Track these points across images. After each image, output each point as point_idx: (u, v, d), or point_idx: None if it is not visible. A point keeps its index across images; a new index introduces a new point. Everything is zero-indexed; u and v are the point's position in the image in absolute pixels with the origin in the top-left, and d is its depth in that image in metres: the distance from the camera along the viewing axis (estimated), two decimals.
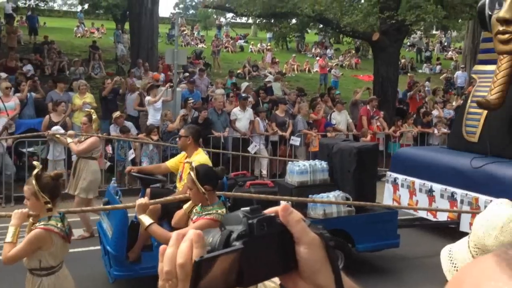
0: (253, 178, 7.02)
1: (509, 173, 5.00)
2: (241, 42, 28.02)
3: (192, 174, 3.46)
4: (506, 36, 5.13)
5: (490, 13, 5.38)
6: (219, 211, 3.49)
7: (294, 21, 15.61)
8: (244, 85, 13.12)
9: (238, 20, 23.09)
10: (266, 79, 15.20)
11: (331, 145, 6.02)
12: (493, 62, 5.76)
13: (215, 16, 31.95)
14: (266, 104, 12.36)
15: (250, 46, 26.55)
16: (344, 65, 24.66)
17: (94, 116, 7.02)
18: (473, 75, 6.38)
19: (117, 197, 5.14)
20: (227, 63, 21.58)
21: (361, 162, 5.54)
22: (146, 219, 3.45)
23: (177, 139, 5.76)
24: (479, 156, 5.45)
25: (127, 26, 19.94)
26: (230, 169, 9.54)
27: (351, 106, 13.03)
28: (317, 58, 23.52)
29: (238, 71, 19.05)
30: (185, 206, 3.81)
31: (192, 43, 25.95)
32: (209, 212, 3.48)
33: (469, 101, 6.34)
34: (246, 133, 10.37)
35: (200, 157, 4.88)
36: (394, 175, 6.70)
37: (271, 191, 5.66)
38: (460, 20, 16.83)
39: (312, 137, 10.76)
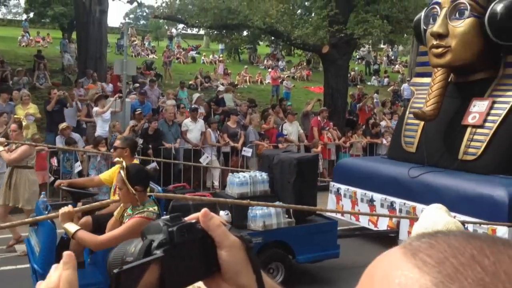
0: (192, 190, 6.91)
1: (443, 182, 5.11)
2: (193, 53, 27.88)
3: (122, 173, 3.31)
4: (440, 49, 5.33)
5: (425, 27, 5.59)
6: (151, 208, 3.36)
7: (245, 33, 15.73)
8: (195, 96, 13.04)
9: (190, 31, 23.06)
10: (218, 90, 15.17)
11: (271, 156, 6.03)
12: (429, 74, 5.96)
13: (166, 27, 31.66)
14: (217, 115, 12.31)
15: (202, 57, 26.47)
16: (295, 77, 25.00)
17: (24, 123, 6.73)
18: (411, 87, 6.58)
19: (46, 212, 4.86)
20: (178, 74, 21.40)
21: (301, 173, 5.56)
22: (71, 227, 3.24)
23: (112, 150, 5.48)
24: (416, 166, 5.57)
25: (74, 35, 19.40)
26: (182, 180, 9.40)
27: (303, 117, 13.19)
28: (269, 69, 23.74)
29: (190, 82, 18.92)
30: (116, 212, 3.66)
31: (143, 53, 25.59)
32: (141, 211, 3.34)
33: (407, 112, 6.52)
34: (197, 144, 10.27)
35: None
36: (337, 185, 6.74)
37: (209, 203, 5.53)
38: (405, 35, 17.47)
39: (263, 147, 10.78)
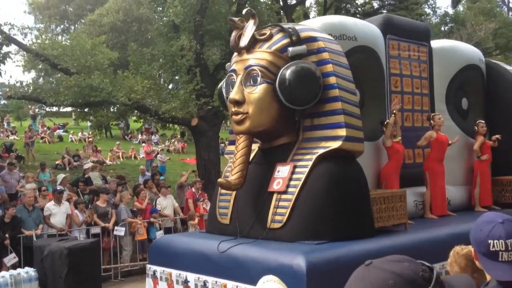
0: None
1: (250, 255, 4.80)
2: (60, 131, 26.61)
3: None
4: (239, 116, 5.32)
5: (226, 95, 5.63)
6: None
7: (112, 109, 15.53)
8: (60, 177, 12.31)
9: (57, 109, 22.11)
10: (84, 168, 14.51)
11: (43, 247, 5.30)
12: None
13: (29, 106, 30.01)
14: (86, 195, 11.69)
15: (70, 135, 25.35)
16: (170, 149, 24.97)
17: None
18: (226, 156, 6.32)
19: None
20: (43, 154, 20.14)
21: (74, 264, 4.93)
22: None
23: None
24: (227, 239, 5.21)
25: None
26: None
27: (178, 189, 13.09)
28: (143, 144, 23.44)
29: (57, 162, 17.87)
30: None
31: (2, 135, 23.77)
32: None
33: None
34: (63, 228, 9.56)
35: None
36: (154, 267, 5.94)
37: None
38: None
39: (137, 225, 10.40)
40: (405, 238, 5.49)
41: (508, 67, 8.37)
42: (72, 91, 12.92)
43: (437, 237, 5.59)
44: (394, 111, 6.42)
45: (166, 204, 11.53)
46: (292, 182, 5.15)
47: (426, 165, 6.91)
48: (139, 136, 26.92)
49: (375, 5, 23.56)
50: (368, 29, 6.53)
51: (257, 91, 5.23)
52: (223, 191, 5.65)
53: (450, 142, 7.11)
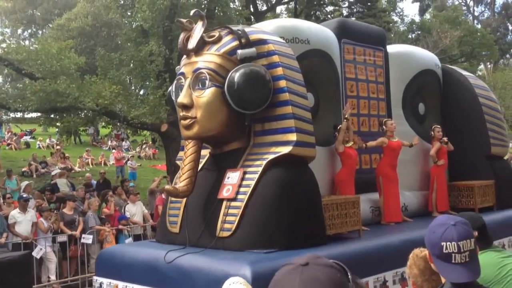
0: None
1: (196, 265, 4.58)
2: (27, 138, 26.03)
3: None
4: (187, 121, 5.11)
5: (175, 99, 5.39)
6: None
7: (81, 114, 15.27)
8: (23, 184, 12.05)
9: (24, 115, 21.63)
10: (52, 174, 14.24)
11: None
12: None
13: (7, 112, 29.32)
14: (53, 203, 11.45)
15: (38, 142, 24.83)
16: (141, 156, 24.71)
17: None
18: (177, 162, 5.99)
19: None
20: (10, 161, 19.66)
21: (5, 280, 4.59)
22: None
23: None
24: (175, 249, 4.95)
25: None
26: None
27: (149, 195, 12.95)
28: (113, 150, 23.14)
29: (24, 169, 17.46)
30: None
31: None
32: None
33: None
34: (28, 236, 9.34)
35: None
36: (100, 279, 5.64)
37: None
38: None
39: (105, 233, 10.24)
40: (358, 245, 5.35)
41: (464, 72, 8.38)
42: (38, 96, 12.67)
43: (391, 244, 5.49)
44: (346, 116, 6.31)
45: (135, 210, 11.36)
46: (241, 189, 4.96)
47: (378, 170, 6.80)
48: (109, 142, 26.55)
49: (344, 12, 23.98)
50: (322, 33, 6.40)
51: (206, 95, 5.05)
52: (173, 198, 5.41)
53: (412, 143, 7.09)
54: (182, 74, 5.29)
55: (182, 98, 5.08)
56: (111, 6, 17.93)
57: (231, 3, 20.94)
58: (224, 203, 5.00)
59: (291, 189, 4.93)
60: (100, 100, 13.03)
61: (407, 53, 7.81)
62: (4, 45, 15.80)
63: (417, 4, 40.83)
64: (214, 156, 5.54)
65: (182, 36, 5.30)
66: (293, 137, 4.98)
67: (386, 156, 6.78)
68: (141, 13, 14.34)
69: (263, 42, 5.26)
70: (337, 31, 6.70)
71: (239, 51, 5.10)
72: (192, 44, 5.20)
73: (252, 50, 5.13)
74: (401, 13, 28.81)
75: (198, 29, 5.22)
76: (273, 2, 25.46)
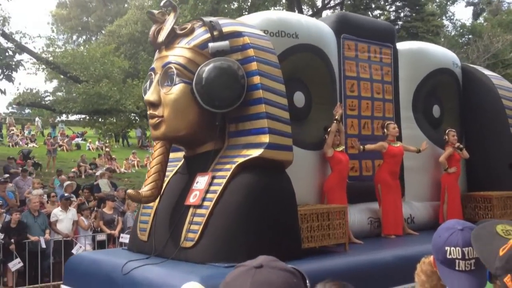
0: None
1: (150, 278, 4.17)
2: (78, 140, 27.27)
3: None
4: (155, 120, 4.71)
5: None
6: None
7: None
8: (65, 184, 12.69)
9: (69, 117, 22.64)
10: (96, 175, 14.91)
11: None
12: (176, 150, 5.21)
13: (53, 114, 30.90)
14: (91, 202, 12.02)
15: (88, 144, 25.97)
16: None
17: None
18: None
19: None
20: (61, 162, 20.68)
21: None
22: None
23: None
24: (136, 259, 4.55)
25: None
26: (51, 278, 8.92)
27: None
28: None
29: (73, 170, 18.37)
30: None
31: (21, 142, 24.52)
32: None
33: None
34: (68, 234, 9.90)
35: None
36: None
37: None
38: None
39: None
40: (339, 261, 4.73)
41: (487, 72, 7.58)
42: (81, 98, 13.20)
43: (381, 260, 4.88)
44: (337, 117, 5.69)
45: None
46: (208, 195, 4.49)
47: (377, 178, 6.17)
48: None
49: (392, 16, 23.59)
50: (314, 27, 5.80)
51: (173, 91, 4.64)
52: (145, 204, 5.00)
53: (420, 149, 6.48)
54: (153, 69, 4.93)
55: (150, 95, 4.72)
56: None
57: (272, 8, 21.10)
58: (191, 210, 4.57)
59: (260, 196, 4.44)
60: (141, 103, 13.42)
61: (419, 50, 7.05)
62: (51, 49, 16.62)
63: (471, 8, 39.54)
64: (187, 159, 5.11)
65: (153, 28, 4.94)
66: (265, 138, 4.51)
67: (385, 162, 6.19)
68: (183, 18, 14.71)
69: (238, 34, 4.80)
70: (336, 25, 6.14)
71: (210, 44, 4.67)
72: (162, 36, 4.83)
73: (224, 43, 4.67)
74: (452, 17, 27.95)
75: (170, 21, 4.84)
76: (319, 7, 25.42)
